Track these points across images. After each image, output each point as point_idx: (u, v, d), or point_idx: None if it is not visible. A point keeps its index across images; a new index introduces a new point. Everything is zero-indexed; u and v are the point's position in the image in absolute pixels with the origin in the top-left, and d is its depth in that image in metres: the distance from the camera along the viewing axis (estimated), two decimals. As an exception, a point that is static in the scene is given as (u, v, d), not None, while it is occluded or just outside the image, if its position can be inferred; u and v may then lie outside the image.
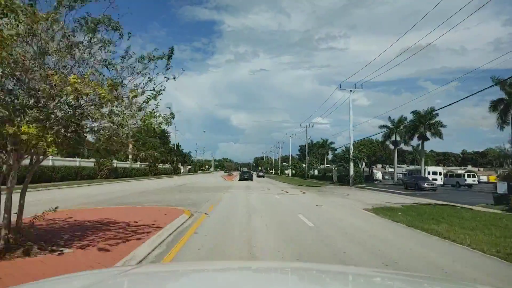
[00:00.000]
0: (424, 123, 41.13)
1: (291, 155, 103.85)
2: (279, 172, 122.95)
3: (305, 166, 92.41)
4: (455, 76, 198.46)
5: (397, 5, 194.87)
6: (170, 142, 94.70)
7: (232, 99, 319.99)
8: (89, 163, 40.41)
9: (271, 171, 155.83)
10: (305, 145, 68.66)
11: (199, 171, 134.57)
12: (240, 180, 48.86)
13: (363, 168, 40.50)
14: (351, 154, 39.15)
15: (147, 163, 63.36)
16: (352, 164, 39.11)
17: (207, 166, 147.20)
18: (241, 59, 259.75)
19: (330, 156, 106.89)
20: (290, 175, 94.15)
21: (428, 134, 42.01)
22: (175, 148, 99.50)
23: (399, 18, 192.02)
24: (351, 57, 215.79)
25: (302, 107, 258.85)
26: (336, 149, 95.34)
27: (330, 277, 2.12)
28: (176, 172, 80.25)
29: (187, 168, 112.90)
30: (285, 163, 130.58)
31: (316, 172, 79.00)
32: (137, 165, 57.03)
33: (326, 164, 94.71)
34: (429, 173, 43.57)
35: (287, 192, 25.33)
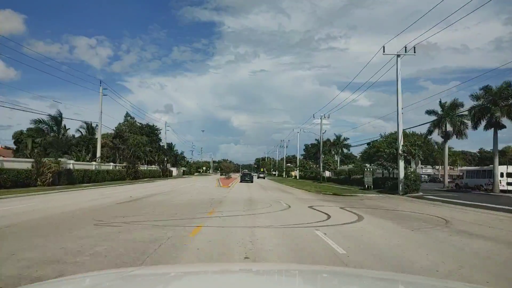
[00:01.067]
0: (498, 103, 28.90)
1: (297, 155, 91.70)
2: (283, 173, 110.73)
3: (317, 167, 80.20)
4: (455, 76, 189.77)
5: (398, 5, 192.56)
6: (160, 140, 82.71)
7: (232, 100, 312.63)
8: (22, 163, 28.31)
9: (274, 172, 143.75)
10: (320, 139, 56.31)
11: (195, 174, 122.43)
12: (241, 181, 48.83)
13: (415, 169, 28.24)
14: (400, 148, 26.93)
15: (124, 164, 51.43)
16: (402, 163, 26.90)
17: (204, 168, 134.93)
18: (241, 60, 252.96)
19: (336, 158, 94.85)
20: (297, 178, 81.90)
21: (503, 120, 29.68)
22: (166, 147, 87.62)
23: (400, 18, 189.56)
24: (351, 58, 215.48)
25: (302, 108, 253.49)
26: (350, 147, 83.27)
27: (332, 279, 2.11)
28: (165, 174, 68.08)
29: (181, 170, 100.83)
30: (289, 164, 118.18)
31: (327, 173, 66.82)
32: (109, 166, 44.94)
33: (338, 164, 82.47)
34: (502, 174, 31.34)
35: (328, 217, 13.03)
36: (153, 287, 1.85)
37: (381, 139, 46.34)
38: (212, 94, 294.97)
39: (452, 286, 2.25)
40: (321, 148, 55.78)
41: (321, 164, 53.87)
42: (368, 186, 33.38)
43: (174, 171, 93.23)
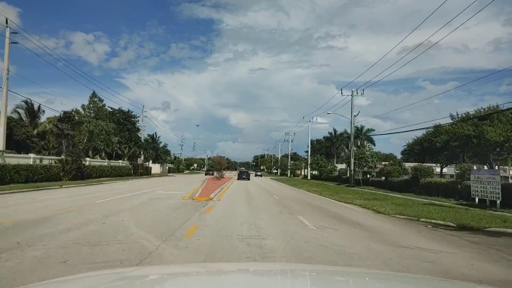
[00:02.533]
0: None
1: (308, 150, 75.00)
2: (288, 172, 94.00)
3: (336, 165, 63.53)
4: (454, 76, 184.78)
5: (397, 4, 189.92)
6: (138, 130, 65.96)
7: (231, 98, 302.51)
8: None
9: (275, 171, 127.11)
10: (351, 122, 39.23)
11: (185, 171, 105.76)
12: (238, 179, 48.32)
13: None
14: None
15: (62, 156, 34.83)
16: None
17: (195, 165, 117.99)
18: (240, 58, 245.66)
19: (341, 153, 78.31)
20: (308, 178, 65.29)
21: None
22: (146, 138, 70.99)
23: (399, 18, 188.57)
24: (350, 57, 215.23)
25: (301, 106, 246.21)
26: (372, 136, 66.46)
27: (333, 278, 2.08)
28: (138, 172, 51.31)
29: (166, 168, 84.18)
30: (292, 162, 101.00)
31: (341, 172, 50.37)
32: (28, 159, 28.41)
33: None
34: None
35: None
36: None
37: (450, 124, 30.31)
38: (210, 92, 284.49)
39: (453, 286, 2.21)
40: (351, 137, 38.95)
41: (352, 160, 37.29)
42: (480, 200, 16.88)
43: (156, 168, 76.70)
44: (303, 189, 30.61)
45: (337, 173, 51.59)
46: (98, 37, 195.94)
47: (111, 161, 46.89)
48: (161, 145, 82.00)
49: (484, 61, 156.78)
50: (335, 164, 61.43)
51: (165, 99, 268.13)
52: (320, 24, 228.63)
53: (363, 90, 37.82)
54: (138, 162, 47.99)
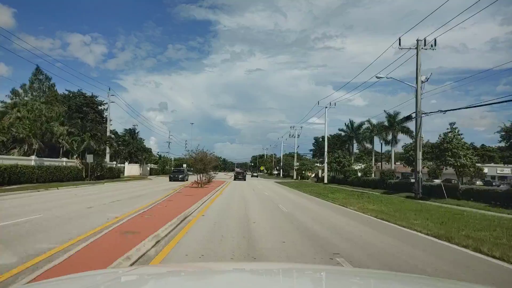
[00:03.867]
0: None
1: (325, 146, 60.54)
2: (294, 174, 79.14)
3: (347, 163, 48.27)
4: (451, 77, 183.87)
5: (394, 4, 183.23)
6: (105, 121, 50.96)
7: (228, 99, 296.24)
8: None
9: (275, 172, 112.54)
10: (416, 92, 23.99)
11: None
12: (234, 180, 49.59)
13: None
14: None
15: None
16: None
17: (184, 165, 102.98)
18: (237, 59, 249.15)
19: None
20: (326, 181, 50.41)
21: None
22: (113, 132, 56.16)
23: (396, 18, 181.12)
24: (347, 57, 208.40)
25: (298, 107, 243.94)
26: (410, 131, 51.39)
27: (331, 278, 2.04)
28: (95, 176, 36.10)
29: (147, 168, 69.33)
30: (297, 163, 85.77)
31: (369, 177, 35.54)
32: None
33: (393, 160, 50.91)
34: None
35: None
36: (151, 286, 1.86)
37: None
38: (207, 93, 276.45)
39: (453, 286, 2.15)
40: (417, 118, 23.81)
41: (419, 154, 22.50)
42: None
43: (134, 169, 62.01)
44: (351, 206, 15.79)
45: (375, 176, 36.73)
46: (95, 38, 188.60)
47: (45, 159, 31.78)
48: (149, 144, 67.29)
49: (481, 60, 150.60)
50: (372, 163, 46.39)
51: (162, 100, 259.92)
52: (317, 25, 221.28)
53: (434, 39, 23.02)
54: (88, 161, 32.94)
